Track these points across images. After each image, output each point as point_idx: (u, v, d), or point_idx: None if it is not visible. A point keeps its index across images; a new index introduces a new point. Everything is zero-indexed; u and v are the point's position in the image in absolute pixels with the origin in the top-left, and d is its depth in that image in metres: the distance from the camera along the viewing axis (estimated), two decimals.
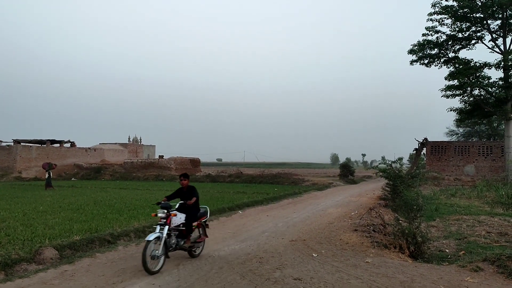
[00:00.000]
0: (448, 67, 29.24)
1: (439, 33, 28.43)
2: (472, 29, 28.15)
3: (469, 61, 27.49)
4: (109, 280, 5.68)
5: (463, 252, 7.75)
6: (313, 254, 7.16)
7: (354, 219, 11.14)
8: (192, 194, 7.16)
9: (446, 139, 48.21)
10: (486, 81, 27.58)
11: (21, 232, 8.50)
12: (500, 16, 26.94)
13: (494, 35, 27.58)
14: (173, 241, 6.56)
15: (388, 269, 6.10)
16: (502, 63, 26.26)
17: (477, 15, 27.29)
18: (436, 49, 29.04)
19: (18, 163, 37.63)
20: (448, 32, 28.38)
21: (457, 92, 29.13)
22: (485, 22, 27.38)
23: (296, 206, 15.58)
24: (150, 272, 5.85)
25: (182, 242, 6.77)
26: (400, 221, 8.83)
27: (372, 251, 7.48)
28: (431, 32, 28.53)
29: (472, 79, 27.38)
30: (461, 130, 49.59)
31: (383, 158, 16.14)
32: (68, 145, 44.99)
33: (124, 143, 58.15)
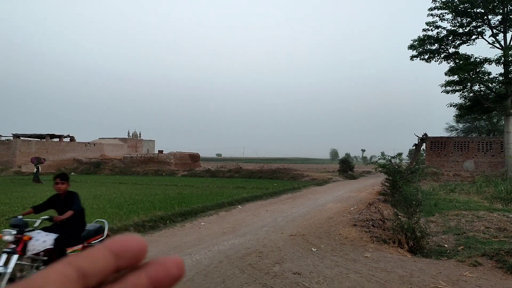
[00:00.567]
0: (448, 63, 29.18)
1: (440, 28, 28.35)
2: (472, 24, 28.07)
3: (469, 57, 27.43)
4: None
5: (462, 247, 7.77)
6: (312, 249, 7.17)
7: (353, 214, 11.16)
8: (70, 204, 4.94)
9: (446, 134, 48.20)
10: (486, 77, 27.53)
11: None
12: (501, 11, 26.84)
13: (494, 30, 27.50)
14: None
15: (387, 263, 6.11)
16: (503, 59, 26.20)
17: (478, 10, 27.19)
18: (436, 45, 28.96)
19: (18, 158, 37.62)
20: (449, 27, 28.30)
21: (457, 88, 29.08)
22: (485, 17, 27.29)
23: (296, 201, 15.60)
24: None
25: None
26: (399, 216, 8.84)
27: (371, 246, 7.50)
28: (431, 27, 28.44)
29: (472, 75, 27.32)
30: (460, 125, 49.60)
31: (382, 153, 16.24)
32: (67, 139, 44.96)
33: (123, 138, 58.12)
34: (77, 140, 46.03)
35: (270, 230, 9.18)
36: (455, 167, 33.49)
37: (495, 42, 27.46)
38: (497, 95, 27.39)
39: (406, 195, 9.28)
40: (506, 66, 26.59)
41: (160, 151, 44.13)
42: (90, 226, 5.49)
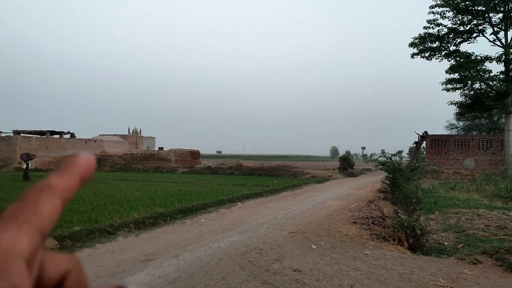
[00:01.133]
0: (449, 61, 29.17)
1: (440, 26, 28.31)
2: (473, 22, 28.03)
3: (470, 55, 27.40)
4: (109, 271, 5.70)
5: (461, 245, 7.78)
6: (312, 246, 7.18)
7: (353, 212, 11.17)
8: None
9: (446, 132, 48.23)
10: (487, 75, 27.52)
11: None
12: (502, 9, 26.80)
13: (495, 28, 27.47)
14: None
15: (387, 261, 6.12)
16: (503, 57, 26.18)
17: (479, 8, 27.15)
18: (437, 42, 28.93)
19: (18, 154, 37.60)
20: (450, 25, 28.26)
21: (458, 86, 29.06)
22: (486, 15, 27.25)
23: (296, 198, 15.61)
24: None
25: None
26: (399, 214, 8.84)
27: (371, 243, 7.51)
28: (432, 25, 28.41)
29: (473, 73, 27.30)
30: (461, 123, 49.62)
31: (382, 151, 16.13)
32: (67, 136, 44.95)
33: (124, 134, 58.09)
34: (77, 137, 46.02)
35: (270, 227, 9.19)
36: (455, 165, 33.50)
37: (496, 40, 27.44)
38: (497, 93, 27.37)
39: (406, 192, 9.29)
40: (507, 64, 26.56)
41: (161, 148, 44.10)
42: None
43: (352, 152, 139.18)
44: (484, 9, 26.94)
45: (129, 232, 8.46)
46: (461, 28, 28.28)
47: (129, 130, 61.22)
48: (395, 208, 11.10)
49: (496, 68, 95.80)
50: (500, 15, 27.12)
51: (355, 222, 9.39)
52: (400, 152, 17.32)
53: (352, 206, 12.66)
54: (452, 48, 29.00)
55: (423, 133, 35.28)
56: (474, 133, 45.25)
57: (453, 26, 28.18)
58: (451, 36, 28.60)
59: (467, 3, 26.87)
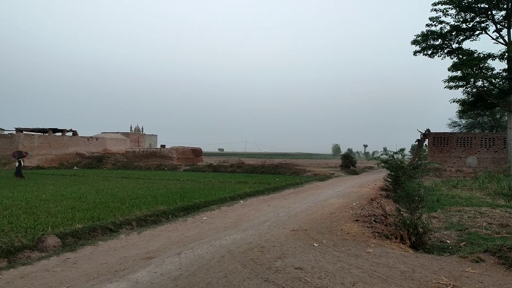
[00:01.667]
0: (452, 58, 29.08)
1: (443, 24, 28.20)
2: (476, 20, 27.90)
3: (472, 52, 27.30)
4: (111, 268, 5.71)
5: (464, 243, 7.77)
6: (314, 244, 7.18)
7: (355, 210, 11.16)
8: None
9: (449, 130, 48.17)
10: (490, 72, 27.41)
11: (23, 220, 8.55)
12: (505, 6, 26.67)
13: (498, 25, 27.33)
14: None
15: (389, 259, 6.11)
16: (506, 54, 26.06)
17: (482, 5, 27.02)
18: (439, 40, 28.83)
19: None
20: (452, 23, 28.15)
21: (460, 83, 28.97)
22: (489, 12, 27.12)
23: (298, 196, 15.60)
24: None
25: None
26: (401, 212, 8.84)
27: (373, 241, 7.50)
28: (435, 23, 28.30)
29: (475, 70, 27.20)
30: (463, 121, 49.47)
31: (384, 149, 16.18)
32: (70, 134, 45.07)
33: (126, 132, 58.22)
34: (79, 135, 46.13)
35: (272, 225, 9.19)
36: (458, 163, 33.44)
37: (499, 37, 27.31)
38: (500, 91, 27.28)
39: (408, 190, 9.29)
40: (510, 62, 26.46)
41: (163, 146, 44.22)
42: None
43: (354, 150, 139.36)
44: (487, 6, 26.81)
45: (131, 229, 8.47)
46: (464, 26, 28.16)
47: (131, 128, 61.34)
48: (397, 206, 11.10)
49: (499, 65, 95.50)
50: (503, 12, 26.98)
51: (357, 220, 9.38)
52: (402, 150, 17.30)
53: (354, 204, 12.64)
54: (454, 45, 28.90)
55: (426, 131, 35.25)
56: (476, 131, 45.13)
57: (456, 24, 28.07)
58: (453, 33, 28.48)
59: (470, 0, 26.75)
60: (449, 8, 27.46)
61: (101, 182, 20.22)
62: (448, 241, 8.12)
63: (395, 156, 15.60)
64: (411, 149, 53.74)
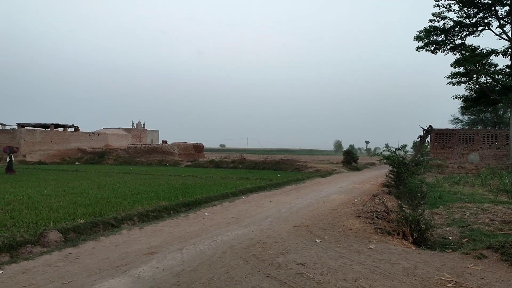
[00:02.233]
0: (454, 54, 28.97)
1: (446, 19, 28.08)
2: (479, 16, 27.77)
3: (475, 48, 27.19)
4: (113, 263, 5.71)
5: (466, 239, 7.74)
6: (316, 240, 7.17)
7: (357, 206, 11.14)
8: None
9: (451, 126, 48.07)
10: (493, 69, 27.33)
11: (26, 215, 8.56)
12: (509, 2, 26.51)
13: (502, 21, 27.18)
14: None
15: (391, 255, 6.10)
16: (510, 50, 25.95)
17: (485, 1, 26.88)
18: (442, 36, 28.72)
19: (22, 147, 37.81)
20: (455, 18, 28.02)
21: (463, 80, 28.90)
22: (493, 8, 26.97)
23: (299, 192, 15.59)
24: None
25: None
26: (403, 208, 8.81)
27: (375, 237, 7.48)
28: (438, 18, 28.18)
29: (478, 66, 27.10)
30: (466, 117, 49.40)
31: (386, 145, 16.03)
32: (72, 129, 45.12)
33: (127, 128, 58.23)
34: (81, 130, 46.18)
35: (274, 221, 9.19)
36: (460, 160, 33.37)
37: (502, 33, 27.16)
38: (503, 87, 27.17)
39: (410, 187, 9.22)
40: None
41: (164, 142, 44.17)
42: None
43: (356, 146, 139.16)
44: (490, 2, 26.66)
45: (133, 225, 8.48)
46: (467, 21, 28.04)
47: (133, 123, 61.35)
48: (400, 202, 11.07)
49: (502, 61, 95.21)
50: (507, 8, 26.83)
51: (359, 216, 9.37)
52: (404, 146, 17.22)
53: (356, 200, 12.63)
54: (457, 41, 28.79)
55: (428, 127, 35.17)
56: (479, 127, 45.03)
57: (459, 19, 27.93)
58: (456, 29, 28.36)
59: None
60: (452, 3, 27.33)
61: (102, 177, 20.25)
62: (450, 238, 8.10)
63: (397, 152, 15.55)
64: (413, 145, 53.73)
